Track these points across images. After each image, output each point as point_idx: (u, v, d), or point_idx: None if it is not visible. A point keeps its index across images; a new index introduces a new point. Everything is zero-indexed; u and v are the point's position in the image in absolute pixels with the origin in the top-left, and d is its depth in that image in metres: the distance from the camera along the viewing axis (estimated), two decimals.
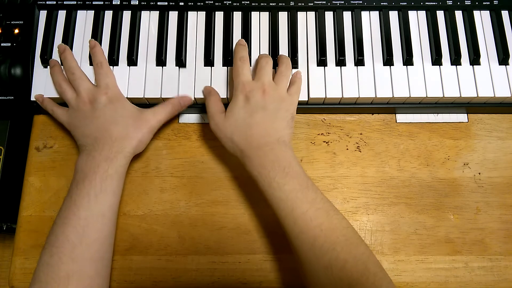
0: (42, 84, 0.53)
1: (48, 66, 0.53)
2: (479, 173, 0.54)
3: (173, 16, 0.56)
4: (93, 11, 0.55)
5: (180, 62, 0.53)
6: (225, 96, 0.52)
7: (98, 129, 0.47)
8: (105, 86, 0.50)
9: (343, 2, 0.56)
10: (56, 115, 0.52)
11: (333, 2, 0.56)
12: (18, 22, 0.55)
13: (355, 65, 0.54)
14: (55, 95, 0.52)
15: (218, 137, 0.49)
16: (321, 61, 0.53)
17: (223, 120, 0.48)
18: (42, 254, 0.44)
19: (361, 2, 0.56)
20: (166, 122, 0.55)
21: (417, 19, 0.56)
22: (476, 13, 0.56)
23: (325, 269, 0.40)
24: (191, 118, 0.56)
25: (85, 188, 0.45)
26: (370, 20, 0.56)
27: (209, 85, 0.53)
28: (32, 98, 0.53)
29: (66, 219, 0.44)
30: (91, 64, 0.53)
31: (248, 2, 0.56)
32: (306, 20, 0.56)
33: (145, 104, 0.54)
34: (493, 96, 0.52)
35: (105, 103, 0.48)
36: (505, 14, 0.55)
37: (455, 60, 0.53)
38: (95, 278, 0.44)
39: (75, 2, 0.55)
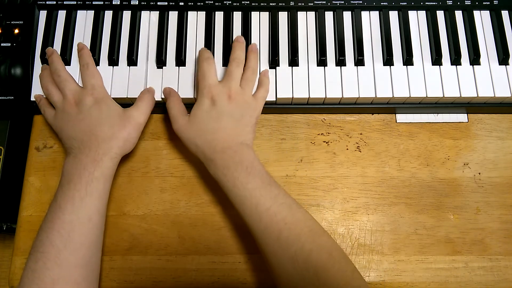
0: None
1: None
2: (479, 173, 0.54)
3: (173, 16, 0.56)
4: (93, 11, 0.56)
5: (180, 62, 0.53)
6: None
7: (84, 131, 0.47)
8: (91, 87, 0.49)
9: (343, 2, 0.56)
10: (45, 116, 0.51)
11: (333, 2, 0.56)
12: (18, 22, 0.55)
13: (355, 65, 0.54)
14: None
15: (181, 139, 0.49)
16: (321, 61, 0.53)
17: (187, 123, 0.48)
18: (28, 260, 0.43)
19: (361, 2, 0.56)
20: (166, 122, 0.55)
21: (417, 19, 0.56)
22: (476, 13, 0.56)
23: (291, 260, 0.41)
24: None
25: (70, 191, 0.44)
26: (370, 20, 0.56)
27: None
28: (32, 98, 0.53)
29: (51, 223, 0.43)
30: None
31: (248, 2, 0.56)
32: (306, 20, 0.56)
33: None
34: (493, 96, 0.52)
35: (91, 105, 0.48)
36: (505, 14, 0.55)
37: (455, 60, 0.53)
38: (82, 284, 0.43)
39: (75, 2, 0.55)
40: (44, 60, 0.53)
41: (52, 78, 0.51)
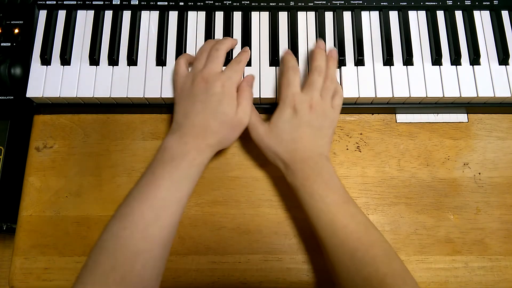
0: (40, 83, 0.52)
1: (46, 66, 0.53)
2: (479, 173, 0.54)
3: (173, 16, 0.56)
4: (93, 11, 0.55)
5: None
6: None
7: (199, 114, 0.46)
8: (228, 77, 0.48)
9: (343, 2, 0.56)
10: (178, 70, 0.50)
11: (333, 2, 0.56)
12: (18, 22, 0.55)
13: (355, 65, 0.54)
14: (54, 94, 0.52)
15: (260, 146, 0.49)
16: None
17: (267, 131, 0.48)
18: (112, 223, 0.43)
19: (361, 2, 0.56)
20: (166, 123, 0.56)
21: (417, 19, 0.56)
22: (476, 13, 0.56)
23: (365, 281, 0.41)
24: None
25: (170, 170, 0.44)
26: (370, 20, 0.56)
27: None
28: (28, 95, 0.52)
29: (144, 195, 0.43)
30: (91, 64, 0.53)
31: (248, 2, 0.56)
32: (306, 20, 0.56)
33: (145, 104, 0.54)
34: (493, 96, 0.52)
35: (216, 92, 0.46)
36: (505, 14, 0.55)
37: (455, 60, 0.53)
38: (160, 262, 0.43)
39: (75, 2, 0.55)
40: (44, 60, 0.53)
41: (211, 49, 0.50)
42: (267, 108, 0.54)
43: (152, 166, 0.45)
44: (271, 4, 0.56)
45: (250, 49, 0.54)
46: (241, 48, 0.54)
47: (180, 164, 0.44)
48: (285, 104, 0.47)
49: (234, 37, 0.55)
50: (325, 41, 0.54)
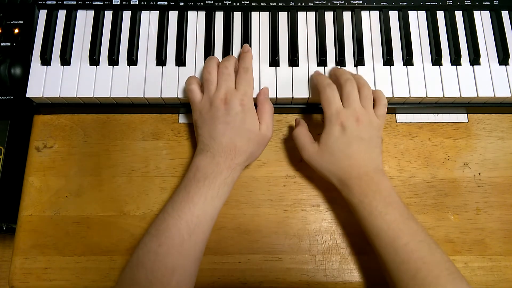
0: (39, 83, 0.52)
1: (46, 66, 0.53)
2: (479, 173, 0.54)
3: (173, 16, 0.56)
4: (93, 11, 0.55)
5: (180, 62, 0.53)
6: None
7: (226, 136, 0.47)
8: (244, 92, 0.48)
9: (343, 2, 0.56)
10: (192, 96, 0.50)
11: (333, 2, 0.56)
12: (18, 22, 0.55)
13: (355, 65, 0.54)
14: (54, 94, 0.52)
15: (312, 166, 0.49)
16: (321, 61, 0.53)
17: (318, 151, 0.48)
18: (148, 240, 0.44)
19: (361, 2, 0.56)
20: (166, 123, 0.56)
21: (417, 19, 0.56)
22: (476, 13, 0.56)
23: None
24: (191, 118, 0.56)
25: (204, 188, 0.45)
26: (370, 20, 0.56)
27: None
28: (28, 95, 0.52)
29: (181, 213, 0.44)
30: (91, 64, 0.53)
31: (248, 2, 0.56)
32: (306, 20, 0.56)
33: (145, 104, 0.54)
34: (493, 96, 0.52)
35: (238, 111, 0.47)
36: (505, 14, 0.55)
37: (455, 60, 0.53)
38: (193, 277, 0.45)
39: (75, 2, 0.55)
40: (44, 60, 0.53)
41: (218, 67, 0.51)
42: None
43: (185, 184, 0.46)
44: (271, 4, 0.56)
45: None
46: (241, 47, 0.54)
47: (214, 183, 0.45)
48: (332, 122, 0.47)
49: (234, 37, 0.55)
50: (325, 41, 0.54)
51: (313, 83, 0.52)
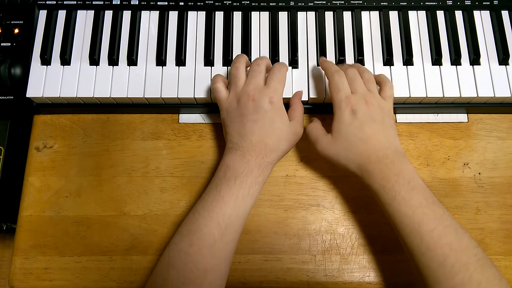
0: (39, 83, 0.52)
1: (46, 66, 0.53)
2: (479, 173, 0.54)
3: (173, 16, 0.56)
4: (93, 11, 0.56)
5: (180, 62, 0.54)
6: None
7: (255, 134, 0.46)
8: (274, 89, 0.47)
9: (343, 2, 0.56)
10: (217, 94, 0.49)
11: (333, 2, 0.56)
12: (18, 22, 0.55)
13: None
14: (54, 94, 0.52)
15: (329, 157, 0.48)
16: None
17: (332, 141, 0.47)
18: (178, 240, 0.43)
19: (361, 2, 0.56)
20: (166, 123, 0.56)
21: (417, 19, 0.56)
22: (476, 13, 0.56)
23: None
24: (191, 118, 0.56)
25: (235, 187, 0.44)
26: (370, 20, 0.56)
27: (209, 84, 0.53)
28: (28, 95, 0.52)
29: (212, 213, 0.43)
30: (91, 64, 0.53)
31: (248, 2, 0.56)
32: (306, 20, 0.56)
33: (145, 104, 0.54)
34: (493, 96, 0.52)
35: (267, 109, 0.46)
36: (505, 14, 0.55)
37: (455, 60, 0.53)
38: (225, 278, 0.44)
39: (75, 2, 0.55)
40: (44, 60, 0.53)
41: (250, 65, 0.50)
42: None
43: (216, 183, 0.45)
44: (271, 4, 0.56)
45: (250, 49, 0.54)
46: (242, 48, 0.54)
47: (245, 182, 0.44)
48: (341, 108, 0.46)
49: (234, 37, 0.55)
50: (325, 41, 0.54)
51: (316, 74, 0.52)
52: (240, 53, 0.53)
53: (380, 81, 0.50)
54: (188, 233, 0.43)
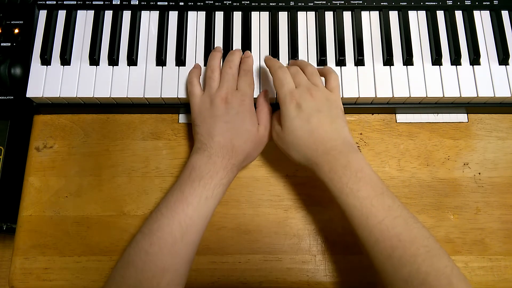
0: (39, 83, 0.52)
1: (46, 66, 0.53)
2: (479, 173, 0.54)
3: (173, 16, 0.56)
4: (93, 11, 0.55)
5: (180, 62, 0.54)
6: None
7: (224, 136, 0.46)
8: (244, 93, 0.49)
9: (343, 2, 0.56)
10: (192, 91, 0.50)
11: (333, 2, 0.56)
12: (18, 22, 0.55)
13: (355, 65, 0.54)
14: (54, 94, 0.52)
15: (282, 151, 0.48)
16: (321, 61, 0.53)
17: (281, 135, 0.47)
18: (140, 238, 0.43)
19: (361, 2, 0.56)
20: (166, 123, 0.56)
21: (417, 19, 0.56)
22: (476, 13, 0.56)
23: (404, 282, 0.38)
24: (191, 118, 0.56)
25: (199, 188, 0.44)
26: (370, 20, 0.56)
27: None
28: (28, 95, 0.52)
29: (174, 213, 0.43)
30: (91, 64, 0.53)
31: (248, 2, 0.56)
32: (306, 20, 0.56)
33: (145, 104, 0.54)
34: (493, 96, 0.52)
35: (238, 111, 0.47)
36: (505, 14, 0.55)
37: (455, 60, 0.53)
38: (184, 278, 0.44)
39: (75, 2, 0.55)
40: (44, 60, 0.53)
41: (222, 66, 0.51)
42: None
43: (180, 184, 0.46)
44: (271, 4, 0.56)
45: (250, 49, 0.54)
46: (242, 48, 0.54)
47: (209, 183, 0.45)
48: (286, 103, 0.46)
49: (234, 37, 0.55)
50: (325, 41, 0.54)
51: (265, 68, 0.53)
52: None
53: (324, 73, 0.50)
54: (149, 232, 0.43)
